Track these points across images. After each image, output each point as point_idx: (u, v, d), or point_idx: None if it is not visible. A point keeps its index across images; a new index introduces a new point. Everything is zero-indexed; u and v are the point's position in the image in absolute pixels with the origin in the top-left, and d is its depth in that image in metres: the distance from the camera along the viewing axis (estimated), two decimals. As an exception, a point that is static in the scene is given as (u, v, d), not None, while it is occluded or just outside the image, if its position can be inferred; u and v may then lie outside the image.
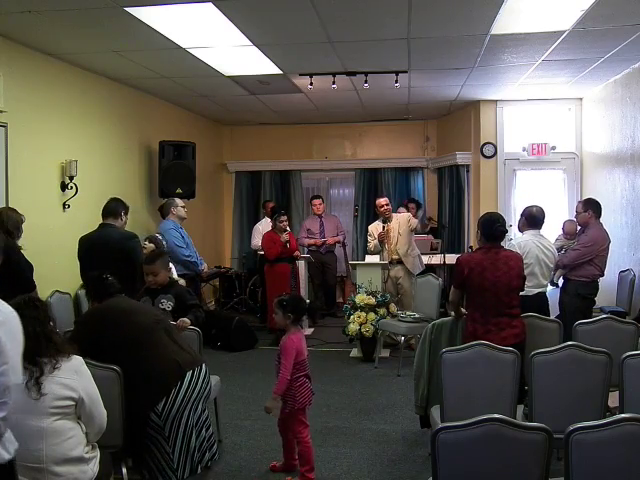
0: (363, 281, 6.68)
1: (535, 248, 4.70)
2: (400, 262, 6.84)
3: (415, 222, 6.91)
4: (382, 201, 6.96)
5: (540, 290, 4.76)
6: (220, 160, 10.02)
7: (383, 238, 6.85)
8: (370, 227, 7.18)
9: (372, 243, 7.01)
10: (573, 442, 2.12)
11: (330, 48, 5.33)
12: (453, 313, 4.23)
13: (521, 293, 4.62)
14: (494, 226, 3.93)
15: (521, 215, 5.02)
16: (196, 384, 3.04)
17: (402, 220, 6.91)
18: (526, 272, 4.62)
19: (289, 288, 7.12)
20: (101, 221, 5.04)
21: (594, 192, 6.95)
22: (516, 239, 4.94)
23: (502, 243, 4.01)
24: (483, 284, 3.80)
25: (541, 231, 4.88)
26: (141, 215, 7.16)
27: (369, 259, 7.21)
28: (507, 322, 3.80)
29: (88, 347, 2.96)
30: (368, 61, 5.88)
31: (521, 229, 4.99)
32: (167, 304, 4.01)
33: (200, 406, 3.11)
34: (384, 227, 6.88)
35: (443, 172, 9.26)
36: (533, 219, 4.85)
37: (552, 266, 4.84)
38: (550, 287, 6.17)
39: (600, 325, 3.94)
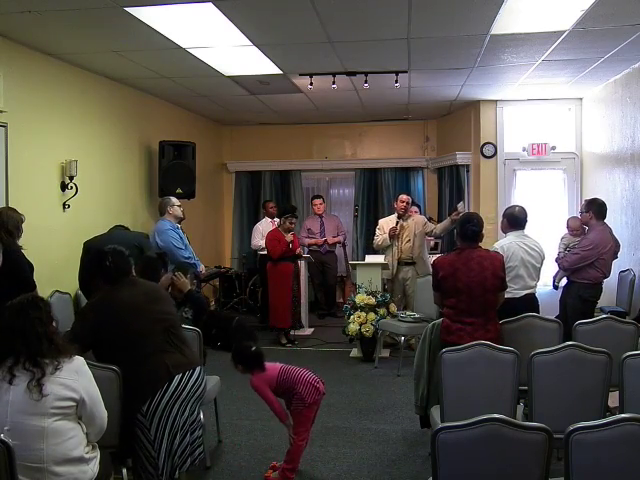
0: (363, 281, 6.68)
1: (519, 250, 4.60)
2: (409, 263, 6.81)
3: (432, 226, 6.87)
4: (405, 197, 6.90)
5: (528, 292, 4.65)
6: (220, 160, 10.02)
7: (394, 233, 6.77)
8: (381, 221, 7.12)
9: (381, 237, 6.88)
10: (573, 442, 2.12)
11: (330, 48, 5.33)
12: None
13: (508, 295, 4.57)
14: (466, 225, 3.91)
15: (503, 216, 4.91)
16: (185, 387, 3.01)
17: (418, 222, 6.86)
18: (512, 274, 4.54)
19: (291, 288, 7.12)
20: (101, 221, 5.07)
21: (594, 192, 6.95)
22: (498, 242, 4.82)
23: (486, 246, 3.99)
24: (456, 285, 3.79)
25: (525, 231, 4.80)
26: (141, 215, 7.16)
27: (369, 259, 7.21)
28: (481, 324, 3.77)
29: (89, 336, 2.98)
30: (368, 61, 5.88)
31: (503, 230, 4.90)
32: (189, 313, 4.14)
33: (188, 409, 3.05)
34: (398, 222, 6.82)
35: (443, 172, 9.26)
36: (515, 220, 4.72)
37: (539, 266, 4.75)
38: (548, 287, 6.18)
39: (600, 325, 3.95)
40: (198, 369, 3.11)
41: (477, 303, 3.77)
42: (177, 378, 2.99)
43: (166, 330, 3.09)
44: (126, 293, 3.10)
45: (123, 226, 5.28)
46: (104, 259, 3.13)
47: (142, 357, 3.00)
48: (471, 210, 8.50)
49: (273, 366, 3.73)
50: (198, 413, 3.19)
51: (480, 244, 4.00)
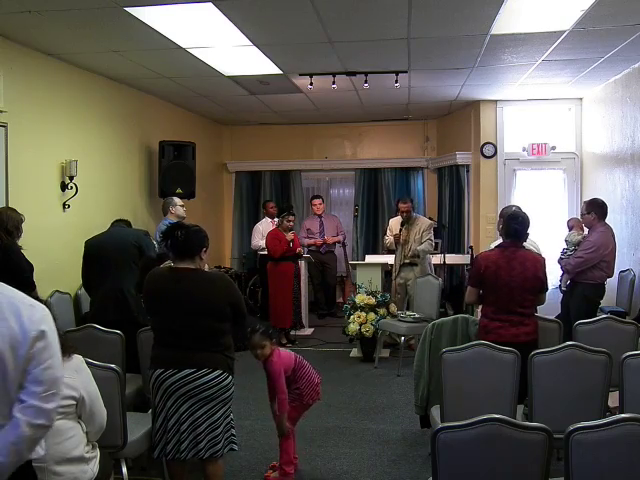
0: (363, 281, 6.68)
1: None
2: (411, 264, 6.81)
3: (425, 242, 6.73)
4: (402, 206, 6.85)
5: None
6: (220, 160, 10.02)
7: (398, 240, 6.83)
8: (391, 220, 7.16)
9: (388, 240, 6.99)
10: (573, 442, 2.12)
11: (330, 48, 5.33)
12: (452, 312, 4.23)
13: None
14: (510, 223, 3.95)
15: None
16: (164, 380, 3.10)
17: (422, 227, 6.81)
18: None
19: (292, 288, 7.12)
20: (101, 221, 5.06)
21: (594, 192, 6.95)
22: (495, 242, 4.84)
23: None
24: (497, 282, 3.82)
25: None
26: (141, 215, 7.16)
27: (369, 259, 7.19)
28: (519, 320, 3.80)
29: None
30: (368, 61, 5.88)
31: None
32: None
33: (177, 403, 3.10)
34: (401, 229, 6.84)
35: (443, 172, 9.25)
36: None
37: None
38: (551, 288, 6.16)
39: (600, 325, 3.95)
40: (189, 370, 3.07)
41: (515, 302, 3.80)
42: (158, 371, 3.13)
43: (187, 327, 3.13)
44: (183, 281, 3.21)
45: (124, 220, 5.24)
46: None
47: (155, 339, 3.25)
48: (471, 210, 8.53)
49: (289, 353, 3.78)
50: (202, 411, 3.13)
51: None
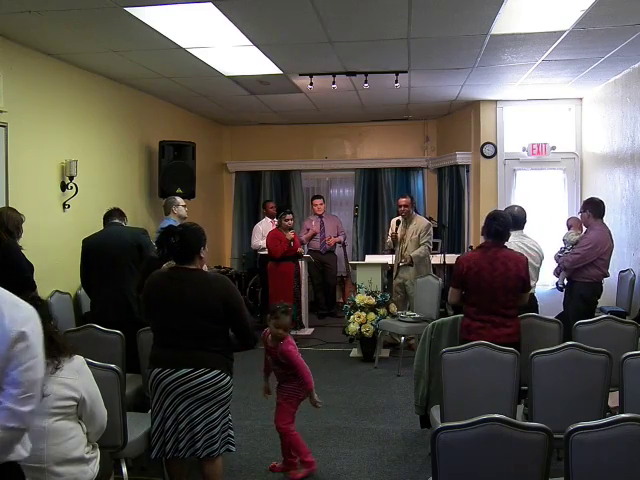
0: (363, 281, 6.68)
1: (518, 249, 4.55)
2: (407, 265, 6.81)
3: (422, 245, 6.69)
4: (402, 200, 6.86)
5: None
6: (220, 160, 10.02)
7: (395, 239, 6.85)
8: (393, 220, 7.16)
9: (388, 239, 7.03)
10: (573, 442, 2.12)
11: (330, 48, 5.33)
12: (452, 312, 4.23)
13: None
14: (491, 224, 3.92)
15: None
16: (161, 380, 3.11)
17: (419, 227, 6.77)
18: None
19: (292, 288, 7.12)
20: (101, 221, 5.05)
21: (594, 192, 6.95)
22: None
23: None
24: (480, 283, 3.80)
25: (524, 231, 4.81)
26: (141, 215, 7.16)
27: (369, 259, 7.18)
28: (501, 321, 3.79)
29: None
30: (368, 61, 5.88)
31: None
32: None
33: (174, 402, 3.10)
34: (396, 228, 6.86)
35: (443, 172, 9.25)
36: (515, 220, 4.68)
37: (538, 266, 4.74)
38: (548, 287, 6.17)
39: (600, 325, 3.95)
40: (187, 370, 3.07)
41: (498, 303, 3.79)
42: (156, 371, 3.13)
43: (186, 326, 3.13)
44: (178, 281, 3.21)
45: (117, 209, 5.17)
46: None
47: (155, 340, 3.23)
48: (471, 210, 8.52)
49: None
50: (200, 411, 3.12)
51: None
